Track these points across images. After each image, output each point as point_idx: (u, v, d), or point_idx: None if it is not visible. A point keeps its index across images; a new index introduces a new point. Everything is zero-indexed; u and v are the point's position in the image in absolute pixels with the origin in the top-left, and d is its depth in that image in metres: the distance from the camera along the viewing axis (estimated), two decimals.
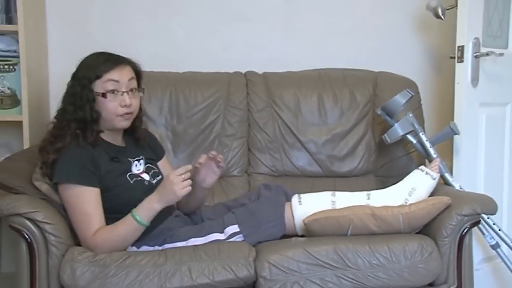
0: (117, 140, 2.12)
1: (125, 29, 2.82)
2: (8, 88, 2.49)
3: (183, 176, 1.89)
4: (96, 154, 1.99)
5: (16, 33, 2.42)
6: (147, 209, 1.92)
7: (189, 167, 1.92)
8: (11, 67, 2.48)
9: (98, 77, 1.99)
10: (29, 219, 1.91)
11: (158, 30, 2.85)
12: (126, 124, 2.06)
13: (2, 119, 2.49)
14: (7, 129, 2.63)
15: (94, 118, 2.00)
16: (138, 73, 2.11)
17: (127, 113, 2.03)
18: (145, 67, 2.61)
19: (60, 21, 2.78)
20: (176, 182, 1.88)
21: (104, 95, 1.99)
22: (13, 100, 2.49)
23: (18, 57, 2.44)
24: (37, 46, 2.63)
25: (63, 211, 1.98)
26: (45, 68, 2.74)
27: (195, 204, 2.24)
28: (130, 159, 2.10)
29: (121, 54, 2.12)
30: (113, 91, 2.00)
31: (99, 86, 2.00)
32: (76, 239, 1.97)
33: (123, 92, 2.01)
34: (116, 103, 2.00)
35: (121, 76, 2.01)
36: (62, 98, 2.05)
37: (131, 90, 2.04)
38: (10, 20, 2.46)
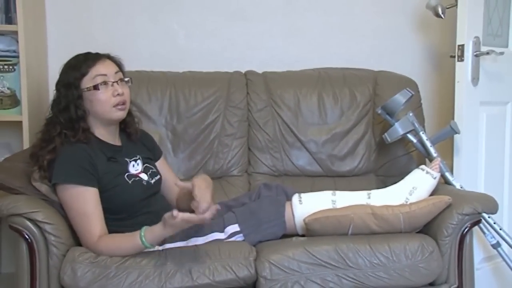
0: (113, 139, 2.12)
1: (125, 29, 2.82)
2: (8, 88, 2.48)
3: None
4: (93, 154, 1.99)
5: (15, 33, 2.41)
6: (157, 237, 1.86)
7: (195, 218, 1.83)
8: (10, 67, 2.47)
9: (85, 74, 2.02)
10: (29, 219, 1.91)
11: (158, 29, 2.85)
12: (122, 114, 2.06)
13: (2, 119, 2.48)
14: (7, 130, 2.62)
15: (80, 116, 2.01)
16: (119, 66, 2.12)
17: (121, 103, 2.04)
18: (145, 66, 2.65)
19: (60, 21, 2.77)
20: (179, 226, 1.82)
21: (95, 87, 2.00)
22: (13, 100, 2.49)
23: (17, 57, 2.43)
24: (37, 46, 2.63)
25: (63, 211, 1.98)
26: (45, 68, 2.74)
27: None
28: (127, 159, 2.10)
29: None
30: (104, 83, 2.02)
31: (88, 82, 2.02)
32: (76, 239, 1.97)
33: (113, 82, 2.03)
34: (109, 94, 2.02)
35: (107, 69, 2.04)
36: (49, 107, 2.08)
37: (120, 80, 2.06)
38: (9, 20, 2.45)
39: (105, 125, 2.07)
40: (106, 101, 2.02)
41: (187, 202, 2.20)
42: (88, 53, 2.08)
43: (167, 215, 1.79)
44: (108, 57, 2.09)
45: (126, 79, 2.10)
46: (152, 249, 1.99)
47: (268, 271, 1.90)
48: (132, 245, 1.89)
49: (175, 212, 1.76)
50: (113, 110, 2.03)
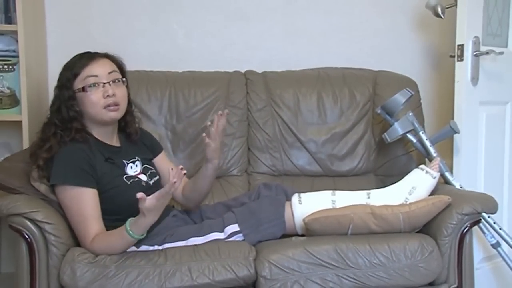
0: (111, 139, 2.11)
1: (125, 29, 2.82)
2: (8, 88, 2.48)
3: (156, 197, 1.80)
4: (91, 155, 1.99)
5: (15, 32, 2.41)
6: (142, 226, 1.83)
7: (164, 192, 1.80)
8: (10, 67, 2.47)
9: (76, 74, 2.01)
10: (29, 219, 1.91)
11: (158, 29, 2.85)
12: (114, 115, 2.04)
13: (1, 119, 2.48)
14: (7, 129, 2.62)
15: (72, 117, 2.01)
16: (119, 66, 2.11)
17: (113, 104, 2.02)
18: (145, 66, 2.65)
19: (60, 20, 2.77)
20: (156, 207, 1.79)
21: (84, 88, 2.00)
22: (13, 100, 2.49)
23: (17, 56, 2.43)
24: (36, 45, 2.62)
25: (62, 211, 1.98)
26: (45, 68, 2.74)
27: (206, 185, 2.25)
28: (124, 161, 2.09)
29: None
30: (94, 84, 2.00)
31: (79, 83, 2.01)
32: (76, 239, 1.97)
33: (104, 83, 2.01)
34: (99, 95, 2.01)
35: (100, 69, 2.02)
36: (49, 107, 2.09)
37: (114, 81, 2.04)
38: (9, 19, 2.45)
39: (100, 125, 2.07)
40: (96, 103, 2.01)
41: (190, 189, 2.21)
42: (85, 53, 2.08)
43: (139, 203, 1.76)
44: (106, 56, 2.08)
45: (123, 79, 2.09)
46: (151, 248, 2.00)
47: (267, 270, 1.90)
48: (122, 241, 1.88)
49: (139, 194, 1.74)
50: (104, 112, 2.02)
